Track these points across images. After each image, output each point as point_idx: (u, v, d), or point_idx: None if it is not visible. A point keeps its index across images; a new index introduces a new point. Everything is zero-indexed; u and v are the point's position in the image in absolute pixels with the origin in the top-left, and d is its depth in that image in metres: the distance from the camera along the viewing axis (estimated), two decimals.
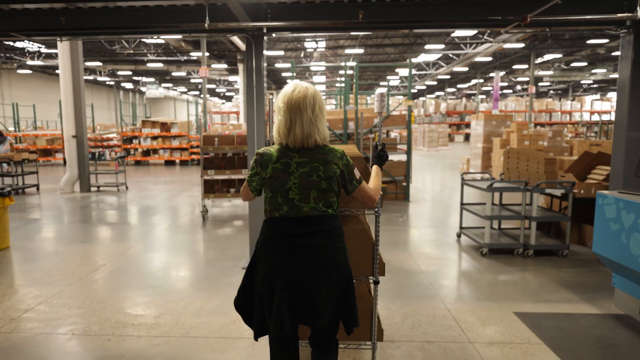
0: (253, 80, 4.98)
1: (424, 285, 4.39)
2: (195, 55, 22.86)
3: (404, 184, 9.16)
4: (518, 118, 31.18)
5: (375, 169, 2.23)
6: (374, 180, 2.15)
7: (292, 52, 25.62)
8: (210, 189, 7.68)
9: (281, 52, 23.58)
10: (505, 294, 4.14)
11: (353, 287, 1.99)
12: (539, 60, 27.08)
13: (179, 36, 19.94)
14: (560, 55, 26.14)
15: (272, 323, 1.88)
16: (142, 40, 22.27)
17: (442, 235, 6.39)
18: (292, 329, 1.89)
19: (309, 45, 22.22)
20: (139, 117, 33.91)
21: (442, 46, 22.76)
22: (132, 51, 23.60)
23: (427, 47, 22.90)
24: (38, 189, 10.55)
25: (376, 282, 2.71)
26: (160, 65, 27.17)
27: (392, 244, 5.87)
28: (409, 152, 9.06)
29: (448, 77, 32.49)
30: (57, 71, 31.20)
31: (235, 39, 20.33)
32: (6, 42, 22.95)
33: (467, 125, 34.22)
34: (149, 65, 27.20)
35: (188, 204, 8.78)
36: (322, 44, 22.58)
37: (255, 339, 2.00)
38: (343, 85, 14.18)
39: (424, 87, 38.92)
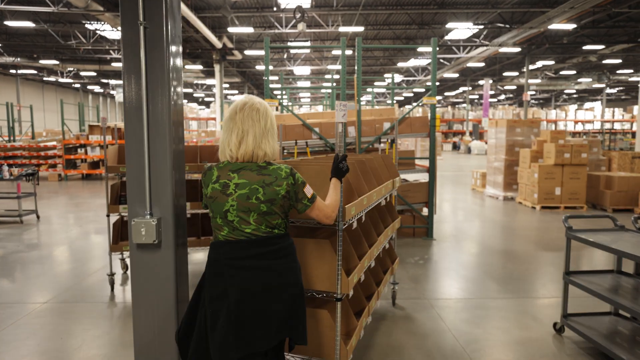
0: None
1: None
2: None
3: (425, 214, 6.34)
4: None
5: (333, 183, 2.03)
6: (331, 195, 1.98)
7: (274, 53, 22.71)
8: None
9: (262, 52, 20.65)
10: None
11: (304, 304, 1.87)
12: (531, 67, 25.02)
13: None
14: (552, 62, 24.06)
15: (215, 351, 1.73)
16: (103, 35, 19.02)
17: (522, 321, 3.56)
18: (238, 356, 1.73)
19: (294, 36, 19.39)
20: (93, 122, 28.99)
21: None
22: (90, 47, 20.25)
23: (420, 49, 20.36)
24: None
25: (338, 299, 2.26)
26: None
27: (424, 351, 3.01)
28: (432, 170, 6.25)
29: (437, 84, 30.13)
30: (12, 71, 27.47)
31: (211, 36, 17.40)
32: None
33: (455, 134, 31.92)
34: (114, 65, 23.84)
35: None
36: (307, 47, 19.75)
37: None
38: (337, 77, 11.36)
39: (411, 95, 36.48)
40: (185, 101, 41.21)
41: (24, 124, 27.40)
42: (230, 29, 16.79)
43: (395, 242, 4.05)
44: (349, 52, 19.84)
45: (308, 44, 19.98)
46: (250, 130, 1.77)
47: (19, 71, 27.47)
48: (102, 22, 16.91)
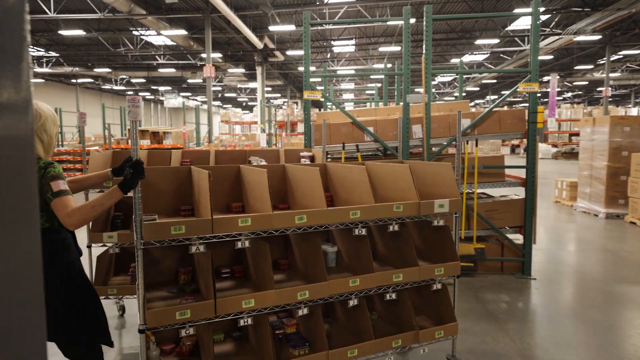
0: None
1: None
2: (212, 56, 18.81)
3: (519, 241, 4.59)
4: (574, 128, 25.69)
5: (111, 190, 1.86)
6: (91, 201, 1.82)
7: (317, 53, 21.39)
8: (130, 277, 3.33)
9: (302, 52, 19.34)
10: None
11: (70, 309, 1.91)
12: (602, 60, 21.88)
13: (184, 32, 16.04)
14: (637, 52, 20.77)
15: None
16: (149, 41, 18.59)
17: None
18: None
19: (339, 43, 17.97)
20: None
21: (495, 41, 18.01)
22: (138, 53, 19.93)
23: (478, 42, 18.20)
24: None
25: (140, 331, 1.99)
26: (172, 70, 23.49)
27: None
28: (530, 183, 4.48)
29: (494, 81, 27.47)
30: (72, 80, 28.18)
31: (251, 35, 16.34)
32: None
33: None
34: (161, 70, 23.56)
35: None
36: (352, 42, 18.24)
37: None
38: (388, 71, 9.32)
39: (464, 95, 33.81)
40: (229, 106, 41.00)
41: (87, 130, 28.06)
42: (272, 28, 15.62)
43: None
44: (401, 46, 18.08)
45: (352, 42, 18.45)
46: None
47: (79, 80, 28.11)
48: (147, 28, 16.42)
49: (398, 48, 18.33)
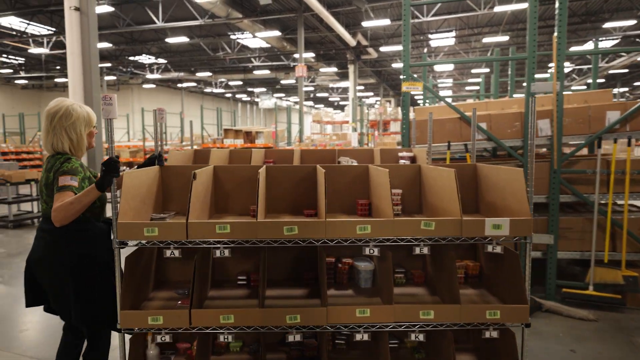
0: None
1: None
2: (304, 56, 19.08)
3: None
4: None
5: (89, 188, 1.91)
6: (72, 198, 1.89)
7: (413, 48, 20.45)
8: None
9: (399, 48, 18.60)
10: None
11: (58, 286, 2.01)
12: None
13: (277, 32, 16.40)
14: None
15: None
16: (245, 44, 19.45)
17: None
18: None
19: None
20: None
21: (629, 23, 15.38)
22: (235, 56, 20.99)
23: (606, 25, 15.74)
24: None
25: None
26: (267, 72, 24.37)
27: None
28: None
29: (624, 71, 23.72)
30: (178, 85, 30.88)
31: (344, 33, 16.10)
32: (131, 58, 22.42)
33: None
34: (256, 72, 24.59)
35: None
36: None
37: None
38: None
39: (584, 87, 29.89)
40: (321, 105, 41.54)
41: (186, 130, 30.69)
42: (365, 23, 15.19)
43: None
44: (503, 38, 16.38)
45: (452, 34, 17.21)
46: (42, 130, 2.11)
47: (183, 84, 30.75)
48: (243, 31, 17.16)
49: (505, 38, 16.66)
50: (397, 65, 22.52)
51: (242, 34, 17.69)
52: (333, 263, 2.48)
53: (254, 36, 16.67)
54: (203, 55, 21.76)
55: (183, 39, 17.55)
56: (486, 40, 17.27)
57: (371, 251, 2.00)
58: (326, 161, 3.36)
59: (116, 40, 18.79)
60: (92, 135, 2.13)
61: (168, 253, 1.92)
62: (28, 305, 2.09)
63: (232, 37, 18.46)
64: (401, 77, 4.19)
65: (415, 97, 22.64)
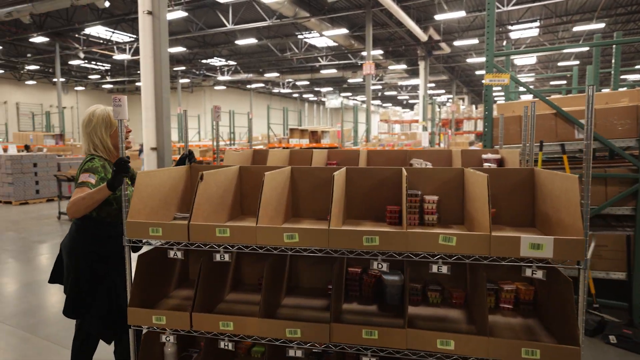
0: None
1: None
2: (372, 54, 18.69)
3: None
4: None
5: (101, 186, 1.99)
6: (85, 194, 1.99)
7: None
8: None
9: (474, 41, 17.47)
10: None
11: (79, 286, 2.12)
12: None
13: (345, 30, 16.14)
14: None
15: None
16: (312, 43, 19.46)
17: None
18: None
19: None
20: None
21: None
22: (302, 56, 21.11)
23: None
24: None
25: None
26: (334, 71, 24.25)
27: None
28: None
29: None
30: (247, 86, 31.92)
31: (415, 27, 15.37)
32: (203, 61, 23.57)
33: None
34: (323, 72, 24.57)
35: None
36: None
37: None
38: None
39: None
40: (389, 104, 40.64)
41: (254, 130, 31.72)
42: (438, 17, 14.39)
43: None
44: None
45: (536, 24, 15.74)
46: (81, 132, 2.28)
47: (252, 85, 31.75)
48: (310, 31, 17.16)
49: (601, 25, 14.90)
50: (472, 60, 21.20)
51: (309, 33, 17.71)
52: (358, 274, 2.28)
53: (321, 35, 16.58)
54: (271, 56, 22.19)
55: (252, 41, 17.98)
56: (577, 28, 15.58)
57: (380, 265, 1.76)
58: (396, 163, 3.00)
59: (190, 44, 19.75)
60: (116, 136, 2.18)
61: (172, 254, 1.91)
62: (50, 281, 2.26)
63: (300, 36, 18.56)
64: (484, 71, 3.69)
65: (494, 95, 21.16)
